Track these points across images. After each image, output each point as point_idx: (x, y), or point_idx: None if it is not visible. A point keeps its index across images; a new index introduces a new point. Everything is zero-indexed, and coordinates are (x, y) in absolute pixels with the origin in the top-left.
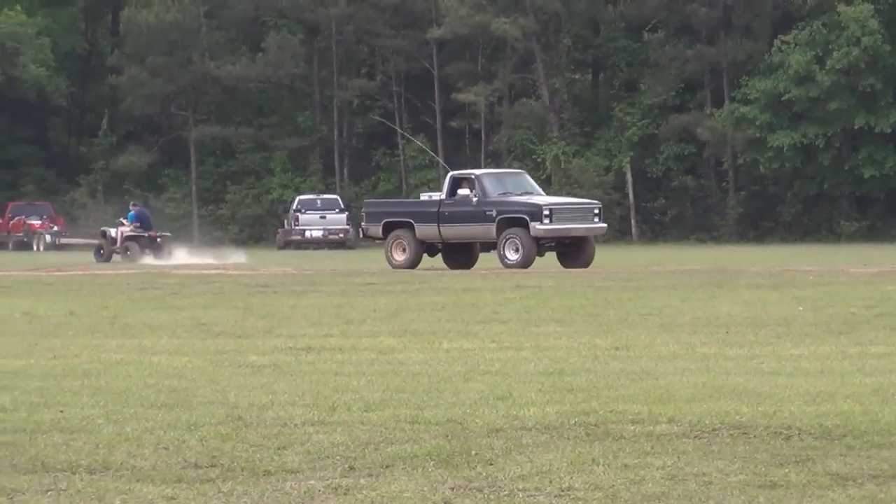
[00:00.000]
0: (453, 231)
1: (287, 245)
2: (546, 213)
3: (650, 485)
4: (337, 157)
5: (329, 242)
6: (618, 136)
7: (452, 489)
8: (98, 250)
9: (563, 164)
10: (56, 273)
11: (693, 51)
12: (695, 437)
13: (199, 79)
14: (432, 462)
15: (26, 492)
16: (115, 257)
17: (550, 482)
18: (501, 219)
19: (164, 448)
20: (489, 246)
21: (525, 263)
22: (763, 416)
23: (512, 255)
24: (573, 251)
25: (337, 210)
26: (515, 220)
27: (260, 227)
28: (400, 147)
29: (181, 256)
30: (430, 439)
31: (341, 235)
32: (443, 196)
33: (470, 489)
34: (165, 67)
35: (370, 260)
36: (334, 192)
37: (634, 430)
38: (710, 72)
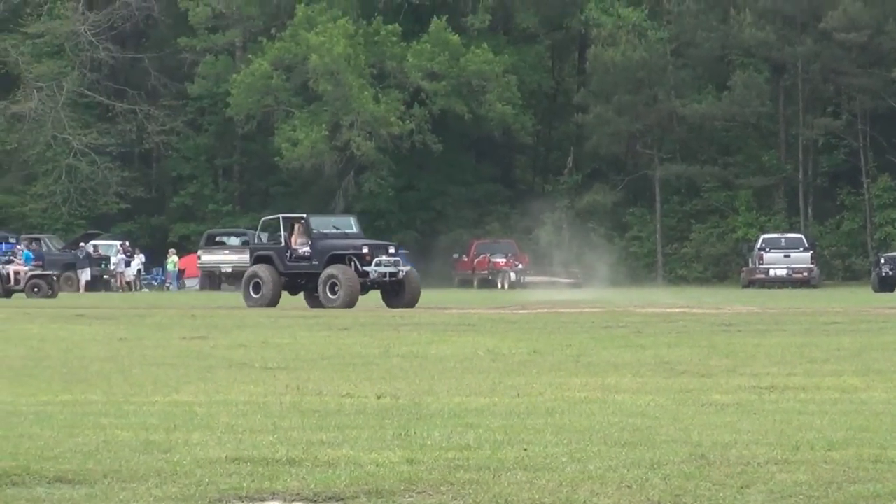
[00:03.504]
0: None
1: (751, 284)
2: None
3: None
4: (801, 196)
5: (793, 282)
6: None
7: None
8: None
9: None
10: (520, 311)
11: None
12: None
13: (665, 117)
14: (895, 502)
15: None
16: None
17: None
18: None
19: (628, 486)
20: None
21: None
22: None
23: None
24: None
25: (801, 249)
26: None
27: (724, 265)
28: (865, 186)
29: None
30: (894, 479)
31: (805, 274)
32: None
33: None
34: (631, 105)
35: (835, 299)
36: (798, 231)
37: None
38: None
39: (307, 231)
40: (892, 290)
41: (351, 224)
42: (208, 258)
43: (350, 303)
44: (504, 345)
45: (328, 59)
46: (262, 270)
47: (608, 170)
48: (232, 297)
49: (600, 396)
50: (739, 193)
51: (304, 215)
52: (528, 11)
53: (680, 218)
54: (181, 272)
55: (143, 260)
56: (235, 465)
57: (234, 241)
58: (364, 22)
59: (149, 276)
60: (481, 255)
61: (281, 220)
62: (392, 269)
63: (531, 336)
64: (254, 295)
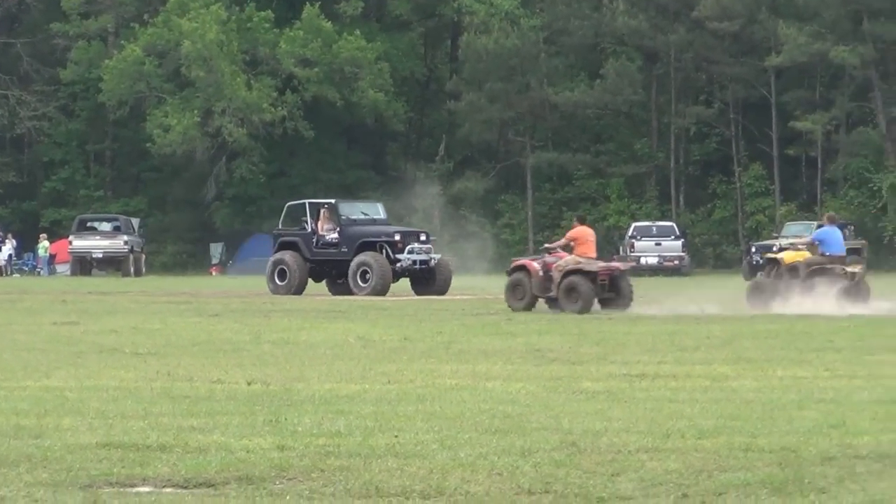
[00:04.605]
0: None
1: None
2: None
3: None
4: (673, 185)
5: (664, 269)
6: None
7: None
8: None
9: None
10: (391, 298)
11: None
12: None
13: (537, 105)
14: (765, 490)
15: None
16: None
17: None
18: None
19: (498, 474)
20: None
21: None
22: None
23: None
24: None
25: (672, 237)
26: None
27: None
28: (736, 174)
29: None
30: (764, 467)
31: (676, 262)
32: None
33: None
34: (504, 93)
35: (705, 286)
36: (670, 220)
37: None
38: None
39: (335, 217)
40: None
41: (378, 210)
42: (79, 243)
43: (382, 290)
44: (375, 332)
45: (201, 45)
46: (288, 257)
47: (480, 157)
48: (103, 283)
49: (471, 384)
50: (611, 181)
51: (332, 201)
52: None
53: (551, 205)
54: (52, 257)
55: (15, 245)
56: (106, 450)
57: (106, 226)
58: (237, 8)
59: (20, 262)
60: None
61: (307, 205)
62: (424, 257)
63: (402, 323)
64: (279, 282)
